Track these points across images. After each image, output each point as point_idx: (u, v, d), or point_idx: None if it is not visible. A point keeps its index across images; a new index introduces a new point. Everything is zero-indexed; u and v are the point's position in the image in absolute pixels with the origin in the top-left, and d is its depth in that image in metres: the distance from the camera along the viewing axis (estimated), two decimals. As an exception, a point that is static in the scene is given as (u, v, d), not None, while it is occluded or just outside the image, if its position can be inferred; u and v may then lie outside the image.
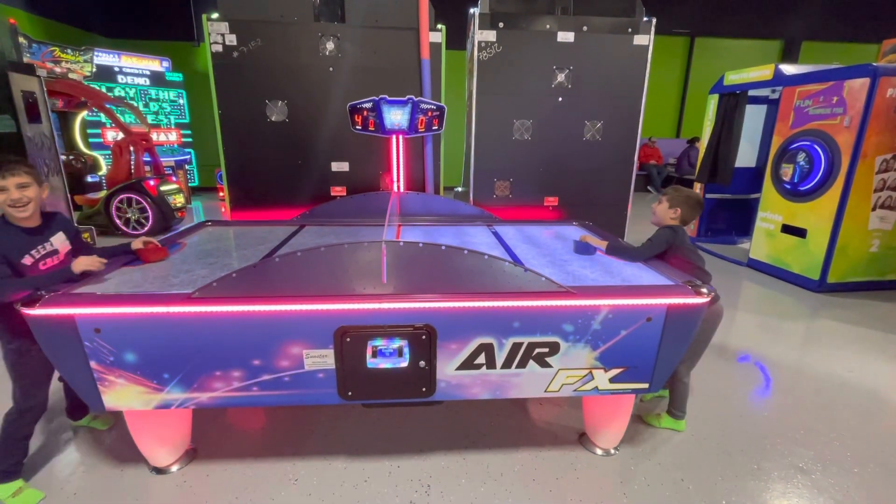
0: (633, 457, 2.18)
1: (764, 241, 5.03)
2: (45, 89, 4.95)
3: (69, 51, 6.77)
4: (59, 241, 1.89)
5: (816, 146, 4.38)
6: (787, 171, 4.67)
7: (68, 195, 5.27)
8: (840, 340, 3.49)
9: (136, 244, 2.10)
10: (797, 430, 2.41)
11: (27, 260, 1.75)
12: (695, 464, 2.14)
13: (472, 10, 3.53)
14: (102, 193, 6.27)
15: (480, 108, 3.67)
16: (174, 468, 2.03)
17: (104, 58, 8.21)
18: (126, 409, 1.84)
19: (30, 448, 1.97)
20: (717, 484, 2.02)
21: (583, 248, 2.43)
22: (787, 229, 4.73)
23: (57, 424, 2.32)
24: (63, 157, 5.35)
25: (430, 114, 3.36)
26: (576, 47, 3.56)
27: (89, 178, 7.04)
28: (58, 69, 6.27)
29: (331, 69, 3.49)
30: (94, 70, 7.43)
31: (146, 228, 6.12)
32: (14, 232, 1.75)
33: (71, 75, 6.35)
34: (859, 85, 4.02)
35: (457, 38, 3.97)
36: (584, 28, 3.55)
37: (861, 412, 2.58)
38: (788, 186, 4.68)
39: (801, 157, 4.51)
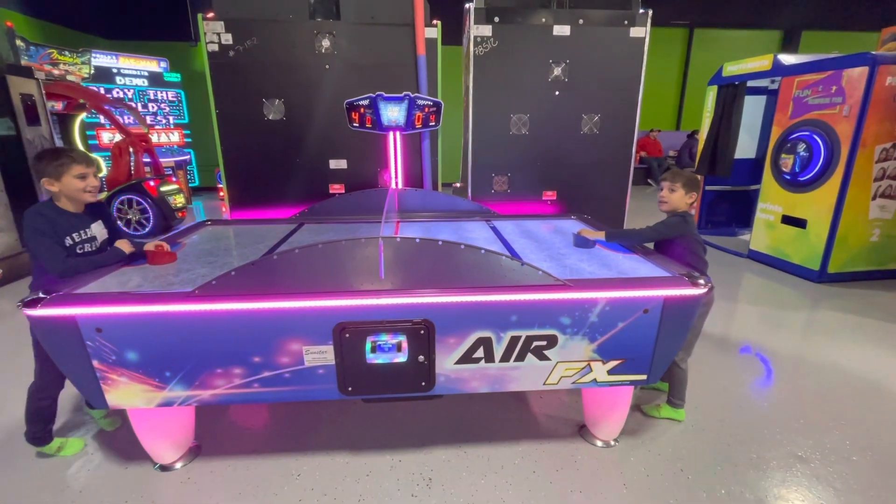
0: (633, 448, 2.19)
1: (764, 233, 5.02)
2: (43, 92, 4.97)
3: (67, 53, 6.78)
4: (98, 229, 2.04)
5: (816, 136, 4.36)
6: (786, 162, 4.65)
7: (69, 197, 5.29)
8: (840, 330, 3.50)
9: (149, 246, 2.15)
10: (797, 419, 2.42)
11: (67, 241, 1.89)
12: (694, 454, 2.16)
13: (467, 5, 3.51)
14: (103, 195, 6.29)
15: (477, 104, 3.66)
16: (178, 465, 2.05)
17: (102, 59, 8.22)
18: (129, 408, 1.86)
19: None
20: (716, 473, 2.04)
21: (582, 242, 2.43)
22: (788, 220, 4.72)
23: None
24: (63, 160, 5.36)
25: (426, 110, 3.36)
26: (572, 41, 3.55)
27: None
28: (56, 71, 6.27)
29: (327, 67, 3.49)
30: (92, 72, 7.44)
31: (147, 229, 6.15)
32: (64, 215, 1.91)
33: (69, 77, 6.36)
34: (858, 74, 4.00)
35: (453, 34, 3.96)
36: (580, 21, 3.53)
37: (860, 401, 2.59)
38: (788, 177, 4.67)
39: (800, 148, 4.50)
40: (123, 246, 2.05)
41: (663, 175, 2.36)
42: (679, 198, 2.26)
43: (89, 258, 1.93)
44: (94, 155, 7.05)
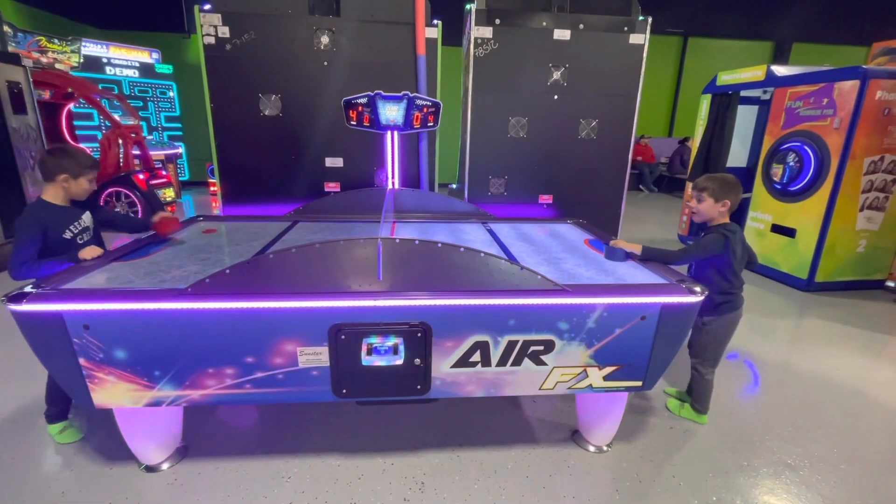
0: (626, 454, 2.20)
1: (754, 241, 5.08)
2: (30, 80, 4.85)
3: (56, 41, 6.63)
4: (88, 220, 2.15)
5: (806, 147, 4.43)
6: (777, 172, 4.72)
7: (55, 188, 5.17)
8: (827, 339, 3.55)
9: (155, 218, 2.32)
10: (785, 426, 2.44)
11: (67, 234, 2.00)
12: (686, 460, 2.17)
13: (468, 7, 3.51)
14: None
15: (476, 105, 3.65)
16: (165, 466, 2.01)
17: (92, 48, 8.05)
18: (116, 407, 1.81)
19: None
20: (707, 480, 2.05)
21: (612, 254, 2.25)
22: (777, 229, 4.79)
23: (43, 423, 2.27)
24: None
25: (425, 110, 3.34)
26: (572, 45, 3.56)
27: (76, 171, 6.90)
28: (44, 59, 6.13)
29: (325, 63, 3.45)
30: (82, 61, 7.29)
31: (135, 223, 6.02)
32: (57, 210, 2.00)
33: (57, 66, 6.21)
34: (849, 87, 4.07)
35: (453, 35, 3.95)
36: (581, 26, 3.54)
37: (847, 409, 2.63)
38: (778, 187, 4.74)
39: (791, 158, 4.57)
40: (87, 254, 1.95)
41: (694, 181, 2.22)
42: (709, 207, 2.12)
43: (46, 263, 1.90)
44: (81, 145, 6.91)
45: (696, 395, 2.43)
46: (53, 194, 2.00)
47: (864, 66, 4.03)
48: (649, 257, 2.18)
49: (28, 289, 1.61)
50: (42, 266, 1.89)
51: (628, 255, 2.25)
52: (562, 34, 3.52)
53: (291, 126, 3.55)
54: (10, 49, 5.95)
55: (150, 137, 8.70)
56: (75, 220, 2.05)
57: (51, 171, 1.97)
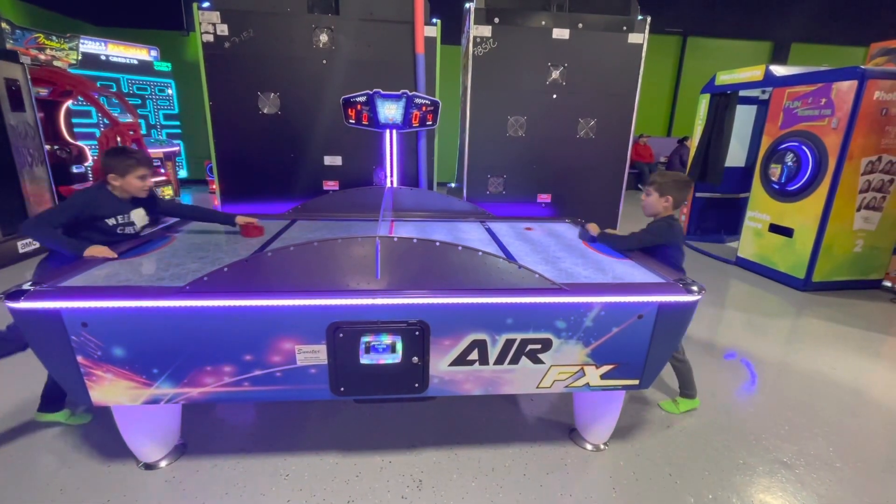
0: (623, 452, 2.21)
1: (752, 240, 5.10)
2: (28, 77, 4.83)
3: (54, 38, 6.61)
4: (138, 216, 2.27)
5: (804, 147, 4.44)
6: (775, 172, 4.73)
7: (53, 186, 5.16)
8: (823, 338, 3.57)
9: (240, 220, 2.51)
10: (781, 425, 2.46)
11: (111, 221, 2.16)
12: (682, 458, 2.18)
13: (467, 5, 3.51)
14: (89, 185, 6.15)
15: (475, 104, 3.66)
16: (163, 464, 2.01)
17: (90, 45, 8.03)
18: (114, 405, 1.81)
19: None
20: (703, 478, 2.06)
21: (584, 234, 2.63)
22: (775, 229, 4.80)
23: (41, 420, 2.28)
24: (47, 147, 5.23)
25: (423, 108, 3.35)
26: (571, 44, 3.56)
27: (74, 169, 6.89)
28: (42, 56, 6.11)
29: (324, 62, 3.45)
30: (80, 58, 7.26)
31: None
32: (110, 198, 2.18)
33: (56, 63, 6.20)
34: (847, 87, 4.08)
35: (452, 33, 3.95)
36: (580, 25, 3.55)
37: (843, 408, 2.64)
38: (776, 186, 4.75)
39: (789, 158, 4.58)
40: (94, 251, 1.96)
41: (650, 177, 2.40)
42: (654, 202, 2.31)
43: (58, 236, 1.96)
44: (79, 143, 6.90)
45: (683, 382, 2.52)
46: (112, 188, 2.18)
47: (862, 67, 4.04)
48: (603, 240, 2.43)
49: (26, 286, 1.61)
50: (54, 240, 1.93)
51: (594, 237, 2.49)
52: (561, 33, 3.52)
53: (290, 124, 3.55)
54: (9, 46, 5.93)
55: (148, 136, 8.68)
56: (123, 213, 2.20)
57: (101, 170, 2.18)
